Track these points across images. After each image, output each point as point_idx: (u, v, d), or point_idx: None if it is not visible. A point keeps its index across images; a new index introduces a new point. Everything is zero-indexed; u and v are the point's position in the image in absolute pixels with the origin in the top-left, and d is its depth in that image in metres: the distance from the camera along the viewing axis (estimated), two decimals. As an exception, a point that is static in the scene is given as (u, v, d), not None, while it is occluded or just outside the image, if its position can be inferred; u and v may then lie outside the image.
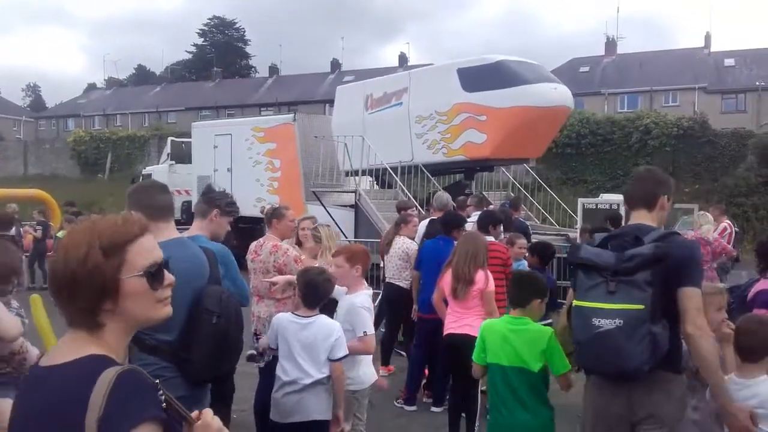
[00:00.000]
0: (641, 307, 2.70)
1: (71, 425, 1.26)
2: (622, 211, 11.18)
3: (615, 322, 2.73)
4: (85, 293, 1.35)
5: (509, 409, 3.45)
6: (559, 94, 11.76)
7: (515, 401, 3.43)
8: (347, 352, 3.75)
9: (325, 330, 3.71)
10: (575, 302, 2.95)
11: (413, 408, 5.97)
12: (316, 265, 5.21)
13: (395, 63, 48.89)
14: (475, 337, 4.68)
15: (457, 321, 4.95)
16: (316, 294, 3.79)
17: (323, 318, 3.78)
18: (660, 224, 3.07)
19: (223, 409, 4.13)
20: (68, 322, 1.41)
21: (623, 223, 3.82)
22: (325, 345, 3.67)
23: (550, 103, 11.53)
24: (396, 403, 6.03)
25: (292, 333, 3.74)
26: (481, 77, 11.66)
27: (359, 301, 4.01)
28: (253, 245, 5.05)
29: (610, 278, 2.78)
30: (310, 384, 3.66)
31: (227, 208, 3.84)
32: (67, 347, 1.38)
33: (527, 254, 6.34)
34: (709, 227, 8.84)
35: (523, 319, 3.49)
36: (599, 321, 2.77)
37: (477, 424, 5.10)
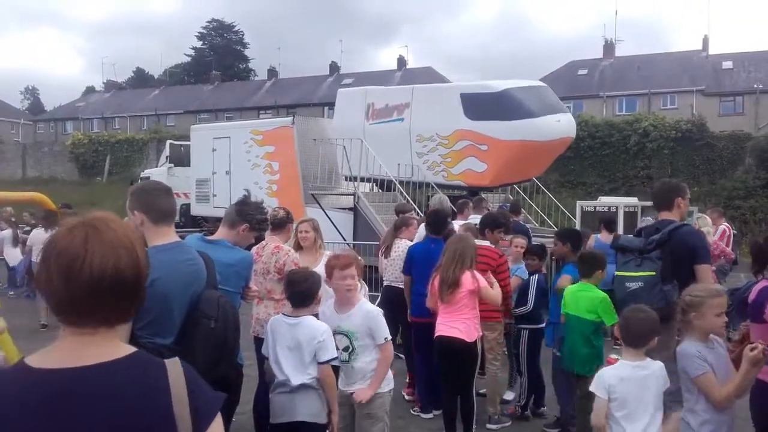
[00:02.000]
0: (654, 273, 4.10)
1: (162, 411, 1.33)
2: (621, 214, 11.24)
3: (638, 284, 4.14)
4: (140, 293, 1.43)
5: (573, 343, 4.95)
6: (562, 126, 11.65)
7: (576, 339, 4.92)
8: (335, 356, 3.69)
9: (310, 331, 3.66)
10: (617, 272, 4.38)
11: (430, 415, 5.87)
12: (318, 265, 5.23)
13: (394, 66, 48.96)
14: (464, 341, 4.67)
15: (446, 323, 4.89)
16: (294, 293, 3.78)
17: (310, 319, 3.74)
18: (680, 218, 4.38)
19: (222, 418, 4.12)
20: (95, 323, 1.37)
21: (638, 223, 5.46)
22: (310, 347, 3.64)
23: (553, 137, 11.50)
24: (412, 411, 5.99)
25: (281, 333, 3.75)
26: (484, 106, 11.52)
27: (375, 308, 3.94)
28: (254, 248, 5.06)
29: (637, 256, 4.23)
30: (298, 386, 3.64)
31: (257, 225, 3.83)
32: (99, 346, 1.36)
33: (528, 258, 6.30)
34: (708, 230, 8.84)
35: (588, 286, 4.98)
36: (630, 284, 4.20)
37: (474, 427, 5.08)
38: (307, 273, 3.93)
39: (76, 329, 1.37)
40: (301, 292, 3.78)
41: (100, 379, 1.32)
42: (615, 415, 3.22)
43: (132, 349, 1.41)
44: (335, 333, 3.82)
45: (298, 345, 3.67)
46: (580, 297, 4.94)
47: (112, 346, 1.38)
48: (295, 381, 3.63)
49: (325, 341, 3.64)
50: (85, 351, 1.35)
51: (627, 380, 3.23)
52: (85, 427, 1.28)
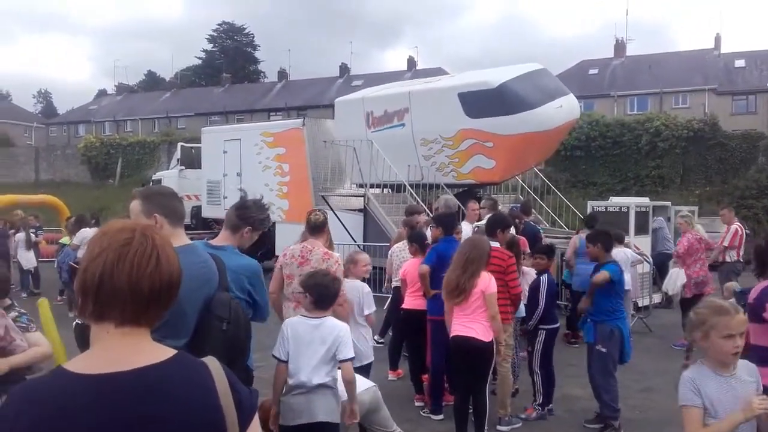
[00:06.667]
0: None
1: (213, 407, 1.38)
2: (632, 214, 11.15)
3: None
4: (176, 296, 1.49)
5: None
6: (564, 112, 11.64)
7: None
8: (353, 355, 3.81)
9: (334, 330, 3.78)
10: None
11: (440, 417, 5.83)
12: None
13: (404, 67, 48.93)
14: (480, 340, 4.69)
15: (462, 324, 4.94)
16: (323, 295, 3.87)
17: (331, 319, 3.85)
18: None
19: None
20: (146, 325, 1.41)
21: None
22: (333, 346, 3.74)
23: (556, 125, 11.53)
24: (422, 413, 5.97)
25: (302, 334, 3.79)
26: (483, 103, 11.47)
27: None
28: (297, 250, 4.87)
29: None
30: (317, 386, 3.70)
31: (259, 225, 3.84)
32: (144, 348, 1.39)
33: (536, 257, 6.29)
34: (700, 227, 9.44)
35: None
36: None
37: (485, 428, 5.07)
38: (332, 276, 4.03)
39: (127, 330, 1.37)
40: (329, 295, 3.90)
41: (155, 380, 1.34)
42: None
43: (172, 350, 1.42)
44: None
45: (320, 344, 3.75)
46: None
47: (155, 348, 1.41)
48: (315, 381, 3.70)
49: (346, 340, 3.78)
50: (135, 354, 1.36)
51: None
52: (146, 429, 1.29)
